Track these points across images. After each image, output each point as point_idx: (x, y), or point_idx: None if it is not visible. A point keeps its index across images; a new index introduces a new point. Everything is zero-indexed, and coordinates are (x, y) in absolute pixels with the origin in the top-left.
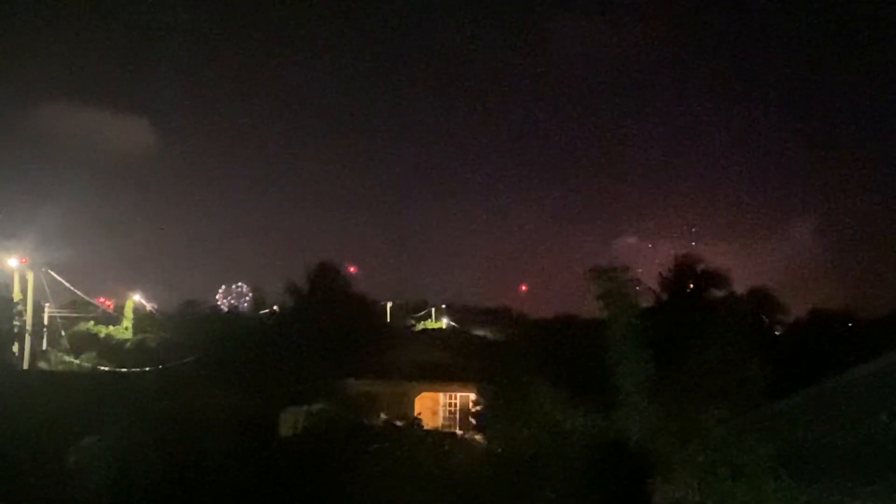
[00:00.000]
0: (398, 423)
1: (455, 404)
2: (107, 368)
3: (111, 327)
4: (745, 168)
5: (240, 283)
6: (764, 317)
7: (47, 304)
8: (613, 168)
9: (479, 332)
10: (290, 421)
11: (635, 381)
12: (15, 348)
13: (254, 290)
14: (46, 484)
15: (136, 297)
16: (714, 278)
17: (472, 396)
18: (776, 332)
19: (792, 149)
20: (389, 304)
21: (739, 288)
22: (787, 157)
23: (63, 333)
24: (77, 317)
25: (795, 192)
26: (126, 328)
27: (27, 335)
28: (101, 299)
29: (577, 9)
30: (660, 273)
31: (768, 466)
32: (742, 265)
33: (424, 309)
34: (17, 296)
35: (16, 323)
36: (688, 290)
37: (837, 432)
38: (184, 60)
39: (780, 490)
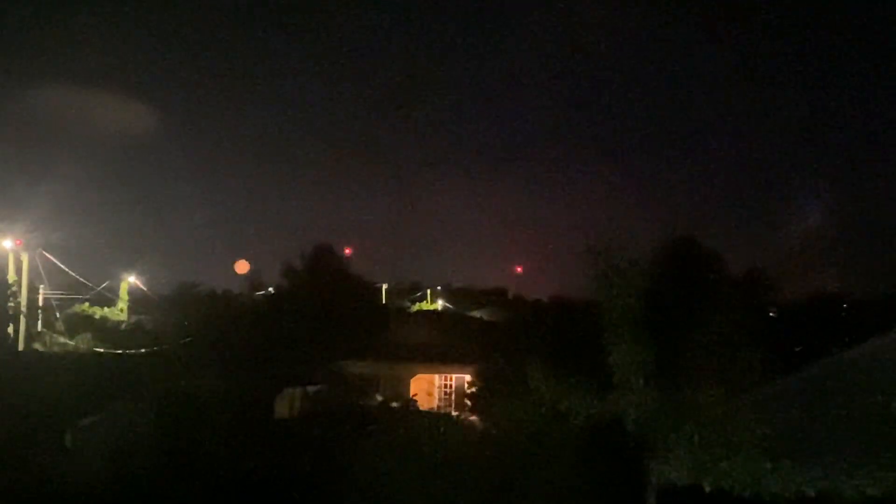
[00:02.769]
0: (394, 405)
1: (451, 386)
2: (102, 350)
3: (106, 309)
4: (743, 150)
5: None
6: (759, 298)
7: (42, 286)
8: (610, 148)
9: (475, 314)
10: (287, 402)
11: (632, 361)
12: (10, 330)
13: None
14: (44, 464)
15: (132, 279)
16: (709, 260)
17: (468, 378)
18: (771, 314)
19: (792, 131)
20: (385, 286)
21: (735, 270)
22: (787, 139)
23: (58, 315)
24: (72, 298)
25: (793, 173)
26: (121, 310)
27: (22, 317)
28: None
29: None
30: (654, 254)
31: (764, 447)
32: (738, 247)
33: (420, 291)
34: (11, 277)
35: (11, 304)
36: (683, 272)
37: (832, 413)
38: (185, 44)
39: (775, 470)
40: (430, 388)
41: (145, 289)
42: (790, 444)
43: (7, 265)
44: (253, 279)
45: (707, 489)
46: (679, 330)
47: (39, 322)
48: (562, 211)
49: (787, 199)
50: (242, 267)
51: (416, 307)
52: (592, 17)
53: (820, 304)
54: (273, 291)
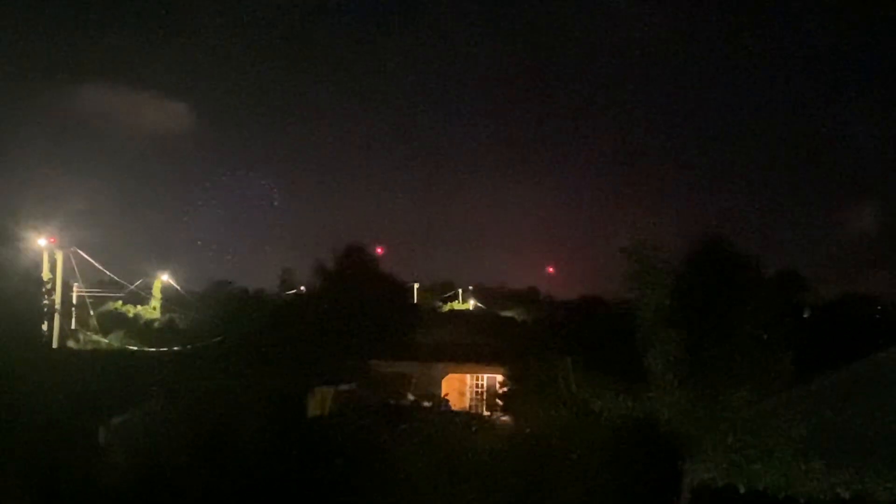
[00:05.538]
0: (426, 404)
1: (482, 385)
2: (135, 348)
3: (139, 307)
4: (779, 150)
5: None
6: (792, 299)
7: (76, 284)
8: (644, 147)
9: (507, 314)
10: (318, 401)
11: (665, 362)
12: (44, 327)
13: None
14: (77, 461)
15: (165, 277)
16: (742, 260)
17: (500, 377)
18: (805, 315)
19: (830, 130)
20: (416, 286)
21: (770, 270)
22: (825, 139)
23: (92, 313)
24: (105, 296)
25: (832, 174)
26: (154, 308)
27: (56, 314)
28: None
29: None
30: (687, 254)
31: (798, 448)
32: (774, 247)
33: (451, 290)
34: (46, 275)
35: (45, 302)
36: (716, 272)
37: (867, 415)
38: (219, 44)
39: (809, 472)
40: (462, 387)
41: (178, 287)
42: (824, 446)
43: (41, 263)
44: (285, 278)
45: (741, 490)
46: (712, 330)
47: (73, 320)
48: (594, 211)
49: (825, 200)
50: None
51: (447, 307)
52: (626, 17)
53: (853, 305)
54: (305, 290)
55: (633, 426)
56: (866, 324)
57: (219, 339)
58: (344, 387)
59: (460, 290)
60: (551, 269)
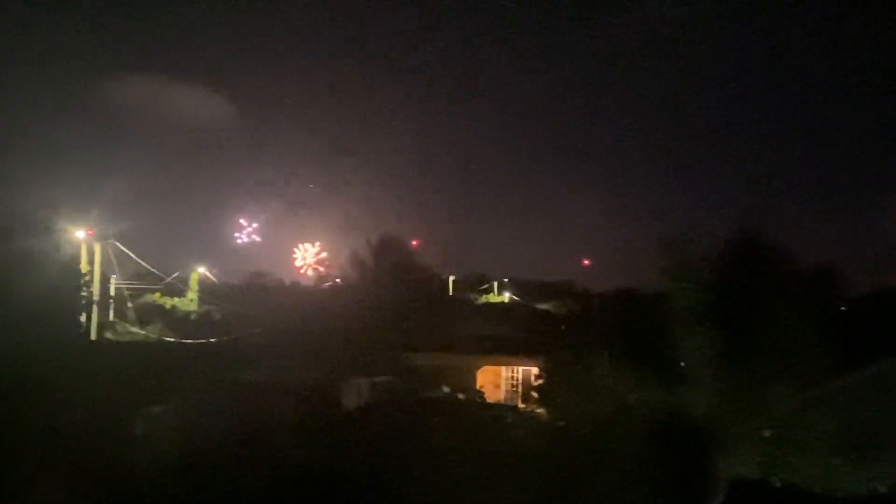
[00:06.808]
0: (461, 396)
1: (517, 378)
2: (172, 339)
3: (177, 299)
4: (811, 142)
5: None
6: (828, 293)
7: (114, 276)
8: (680, 141)
9: (542, 307)
10: (354, 392)
11: (700, 355)
12: (83, 319)
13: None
14: (116, 451)
15: (202, 270)
16: (778, 254)
17: (535, 370)
18: (842, 309)
19: (870, 124)
20: (452, 278)
21: (804, 264)
22: (859, 129)
23: (129, 304)
24: (143, 288)
25: (872, 167)
26: (191, 300)
27: (94, 306)
28: None
29: None
30: (723, 248)
31: (834, 442)
32: (807, 241)
33: (487, 283)
34: (84, 267)
35: (83, 294)
36: (752, 266)
37: None
38: (258, 39)
39: (845, 466)
40: (497, 380)
41: (215, 279)
42: (861, 440)
43: (80, 254)
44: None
45: (777, 484)
46: (748, 324)
47: (111, 311)
48: (630, 204)
49: (860, 193)
50: None
51: (483, 299)
52: (657, 7)
53: (890, 298)
54: (340, 282)
55: (667, 419)
56: None
57: (257, 331)
58: (379, 379)
59: (496, 283)
60: (587, 262)
